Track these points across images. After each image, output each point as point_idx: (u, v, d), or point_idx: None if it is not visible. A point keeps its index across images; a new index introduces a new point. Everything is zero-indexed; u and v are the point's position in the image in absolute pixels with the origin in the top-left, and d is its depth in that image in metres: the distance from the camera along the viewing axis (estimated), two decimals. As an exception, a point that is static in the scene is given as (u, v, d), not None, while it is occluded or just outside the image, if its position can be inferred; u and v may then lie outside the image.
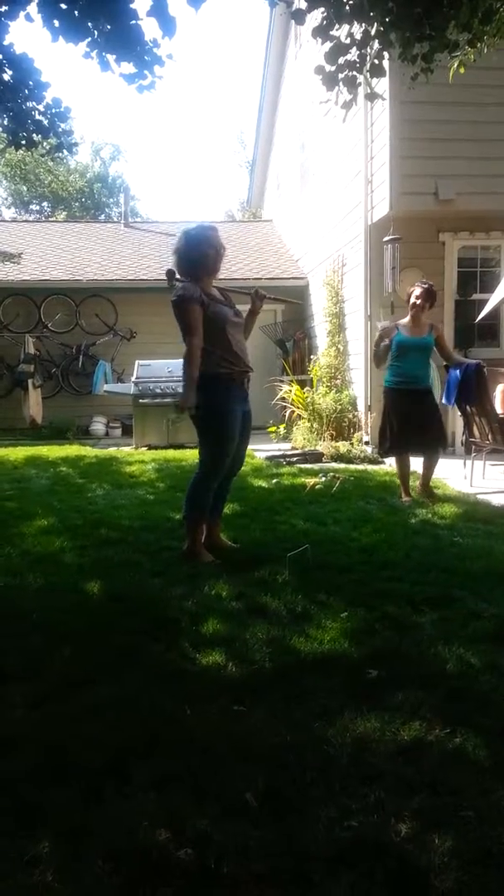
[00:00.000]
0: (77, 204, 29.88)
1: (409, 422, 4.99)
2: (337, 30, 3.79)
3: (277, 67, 12.78)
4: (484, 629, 2.70)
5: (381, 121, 7.39)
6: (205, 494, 3.67)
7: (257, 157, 15.82)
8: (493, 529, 4.21)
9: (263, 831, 1.58)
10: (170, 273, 3.72)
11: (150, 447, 8.90)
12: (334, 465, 7.23)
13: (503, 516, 4.57)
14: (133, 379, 9.44)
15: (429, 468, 5.15)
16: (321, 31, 3.76)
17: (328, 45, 3.85)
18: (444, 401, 5.76)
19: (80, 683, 2.29)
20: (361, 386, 8.25)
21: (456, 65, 4.51)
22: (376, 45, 3.88)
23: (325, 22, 3.71)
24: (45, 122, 5.09)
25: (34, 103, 4.97)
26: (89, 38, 4.10)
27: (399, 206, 7.21)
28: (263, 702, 2.15)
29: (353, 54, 3.95)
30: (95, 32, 4.08)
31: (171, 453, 7.95)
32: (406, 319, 5.13)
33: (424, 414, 5.02)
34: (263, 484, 5.88)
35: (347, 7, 3.61)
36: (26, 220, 22.19)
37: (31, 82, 4.84)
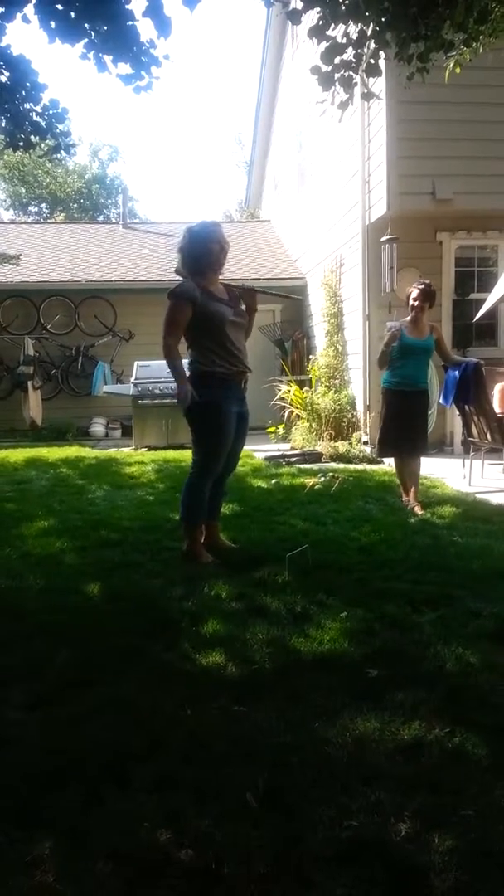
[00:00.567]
0: (75, 205, 29.86)
1: (402, 422, 4.99)
2: (333, 30, 3.79)
3: (274, 68, 12.80)
4: (483, 628, 2.70)
5: (377, 121, 7.40)
6: (199, 495, 3.66)
7: (255, 158, 15.82)
8: (492, 528, 4.21)
9: (263, 831, 1.58)
10: (179, 273, 3.72)
11: (150, 448, 8.90)
12: (333, 465, 7.23)
13: (502, 515, 4.57)
14: (132, 380, 9.44)
15: (413, 474, 5.04)
16: (317, 31, 3.76)
17: (324, 44, 3.84)
18: (441, 401, 5.75)
19: (80, 684, 2.29)
20: (360, 386, 8.25)
21: (452, 64, 4.52)
22: (372, 44, 3.88)
23: (320, 22, 3.71)
24: (43, 124, 5.09)
25: (32, 105, 4.97)
26: (86, 40, 4.11)
27: (396, 206, 7.21)
28: (263, 702, 2.15)
29: (349, 54, 3.94)
30: (92, 33, 4.09)
31: (170, 454, 7.95)
32: (407, 320, 5.12)
33: (413, 415, 5.01)
34: (263, 484, 5.88)
35: (343, 7, 3.61)
36: (25, 222, 22.25)
37: (28, 84, 4.84)
